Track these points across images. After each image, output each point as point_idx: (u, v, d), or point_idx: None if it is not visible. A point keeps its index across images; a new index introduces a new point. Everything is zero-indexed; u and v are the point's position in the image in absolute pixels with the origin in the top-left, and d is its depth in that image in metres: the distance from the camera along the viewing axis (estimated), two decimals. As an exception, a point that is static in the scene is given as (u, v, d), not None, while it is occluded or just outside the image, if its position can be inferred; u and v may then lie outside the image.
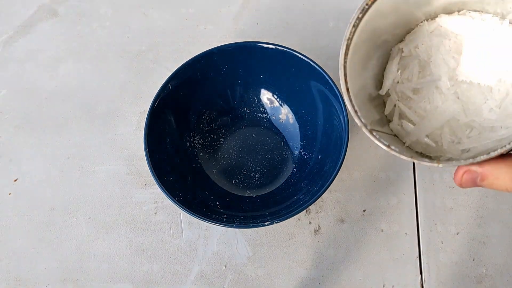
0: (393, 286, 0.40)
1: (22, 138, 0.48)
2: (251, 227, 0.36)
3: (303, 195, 0.40)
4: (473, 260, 0.40)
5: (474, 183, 0.26)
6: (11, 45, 0.53)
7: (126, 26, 0.53)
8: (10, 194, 0.45)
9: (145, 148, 0.38)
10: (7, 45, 0.53)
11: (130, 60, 0.51)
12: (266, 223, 0.35)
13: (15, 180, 0.46)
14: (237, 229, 0.42)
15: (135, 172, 0.45)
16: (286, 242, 0.42)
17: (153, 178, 0.37)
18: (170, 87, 0.41)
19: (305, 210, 0.43)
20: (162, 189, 0.37)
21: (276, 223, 0.35)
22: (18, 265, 0.42)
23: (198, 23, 0.53)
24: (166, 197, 0.37)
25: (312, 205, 0.43)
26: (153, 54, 0.51)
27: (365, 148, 0.45)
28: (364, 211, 0.43)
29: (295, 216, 0.42)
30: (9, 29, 0.54)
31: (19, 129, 0.48)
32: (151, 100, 0.40)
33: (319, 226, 0.42)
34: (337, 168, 0.36)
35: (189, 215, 0.36)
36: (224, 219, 0.38)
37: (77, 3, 0.55)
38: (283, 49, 0.41)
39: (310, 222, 0.42)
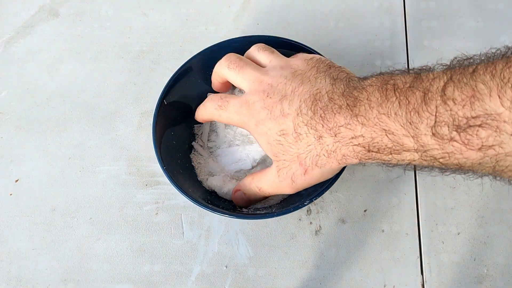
0: (394, 286, 0.40)
1: (23, 138, 0.48)
2: (259, 218, 0.39)
3: (305, 191, 0.40)
4: (474, 260, 0.40)
5: (240, 195, 0.39)
6: (12, 45, 0.53)
7: (126, 27, 0.53)
8: (11, 194, 0.45)
9: (154, 142, 0.38)
10: (8, 45, 0.53)
11: (130, 60, 0.51)
12: (266, 216, 0.36)
13: (16, 180, 0.46)
14: (238, 230, 0.42)
15: (136, 172, 0.45)
16: (287, 243, 0.42)
17: (163, 173, 0.37)
18: (183, 75, 0.41)
19: (306, 211, 0.43)
20: (172, 181, 0.37)
21: (276, 216, 0.36)
22: (19, 266, 0.42)
23: (198, 23, 0.53)
24: (176, 189, 0.37)
25: (313, 205, 0.43)
26: (154, 55, 0.51)
27: (366, 148, 0.45)
28: (365, 211, 0.43)
29: (296, 217, 0.42)
30: (10, 30, 0.54)
31: (20, 129, 0.48)
32: (152, 100, 0.40)
33: (320, 226, 0.42)
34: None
35: (199, 206, 0.36)
36: (230, 212, 0.38)
37: (78, 3, 0.55)
38: (290, 42, 0.41)
39: (311, 223, 0.42)
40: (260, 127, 0.33)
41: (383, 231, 0.42)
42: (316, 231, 0.42)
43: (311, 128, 0.31)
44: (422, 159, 0.27)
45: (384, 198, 0.43)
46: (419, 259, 0.41)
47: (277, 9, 0.53)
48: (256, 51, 0.38)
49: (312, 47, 0.41)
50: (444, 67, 0.27)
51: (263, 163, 0.42)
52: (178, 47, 0.52)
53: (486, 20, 0.51)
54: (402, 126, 0.26)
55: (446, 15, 0.52)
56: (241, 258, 0.41)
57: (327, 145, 0.31)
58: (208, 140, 0.44)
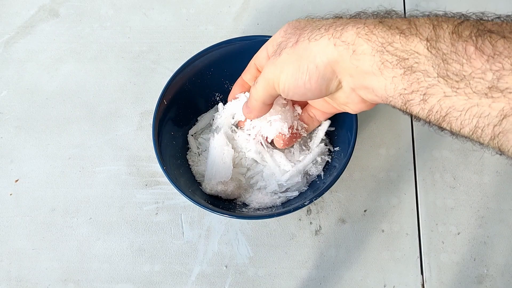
0: (394, 286, 0.40)
1: (23, 138, 0.48)
2: (255, 218, 0.38)
3: (306, 190, 0.40)
4: (474, 260, 0.40)
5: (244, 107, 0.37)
6: (12, 45, 0.53)
7: (126, 27, 0.53)
8: (11, 194, 0.45)
9: (154, 142, 0.38)
10: (8, 45, 0.53)
11: (130, 60, 0.51)
12: (266, 216, 0.36)
13: (16, 180, 0.46)
14: (238, 230, 0.42)
15: (135, 172, 0.45)
16: (287, 243, 0.42)
17: (163, 173, 0.37)
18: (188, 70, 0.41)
19: (306, 211, 0.43)
20: (172, 181, 0.37)
21: (276, 216, 0.36)
22: (19, 266, 0.42)
23: (198, 23, 0.53)
24: (176, 189, 0.36)
25: (313, 205, 0.43)
26: (153, 55, 0.51)
27: (366, 149, 0.45)
28: (365, 211, 0.43)
29: (296, 217, 0.42)
30: (10, 30, 0.54)
31: (20, 129, 0.48)
32: (152, 100, 0.40)
33: (320, 227, 0.42)
34: (342, 167, 0.36)
35: (198, 206, 0.36)
36: (230, 211, 0.38)
37: (78, 3, 0.55)
38: None
39: (311, 223, 0.42)
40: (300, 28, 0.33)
41: (383, 231, 0.42)
42: (316, 231, 0.42)
43: (339, 22, 0.30)
44: (427, 51, 0.25)
45: (384, 198, 0.43)
46: (419, 259, 0.41)
47: (277, 9, 0.53)
48: None
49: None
50: None
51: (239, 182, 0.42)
52: (178, 47, 0.52)
53: (486, 20, 0.51)
54: (427, 18, 0.26)
55: (446, 15, 0.52)
56: (241, 258, 0.41)
57: (335, 22, 0.29)
58: (200, 137, 0.44)
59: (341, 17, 0.31)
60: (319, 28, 0.30)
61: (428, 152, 0.45)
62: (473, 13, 0.27)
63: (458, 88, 0.24)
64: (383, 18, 0.28)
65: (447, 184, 0.43)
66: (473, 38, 0.23)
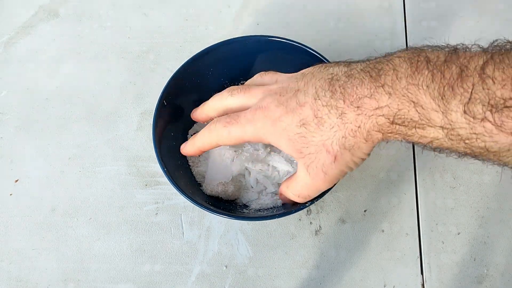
0: (394, 286, 0.40)
1: (23, 138, 0.48)
2: (256, 220, 0.39)
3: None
4: (474, 260, 0.40)
5: (284, 199, 0.37)
6: (12, 45, 0.53)
7: (126, 27, 0.53)
8: (11, 194, 0.45)
9: (154, 142, 0.38)
10: (8, 45, 0.53)
11: (130, 60, 0.51)
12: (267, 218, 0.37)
13: (16, 180, 0.46)
14: (238, 230, 0.42)
15: (136, 172, 0.45)
16: (287, 243, 0.42)
17: (163, 173, 0.37)
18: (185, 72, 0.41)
19: (306, 211, 0.43)
20: (172, 181, 0.36)
21: (277, 218, 0.37)
22: (19, 266, 0.42)
23: (198, 23, 0.53)
24: (176, 190, 0.36)
25: (313, 205, 0.43)
26: (153, 55, 0.51)
27: (366, 148, 0.45)
28: (365, 211, 0.43)
29: (296, 217, 0.42)
30: (10, 30, 0.54)
31: (20, 129, 0.48)
32: (152, 100, 0.40)
33: (320, 227, 0.42)
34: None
35: (199, 207, 0.36)
36: (230, 212, 0.38)
37: (78, 3, 0.55)
38: (292, 43, 0.41)
39: (311, 223, 0.42)
40: (278, 124, 0.31)
41: (383, 231, 0.42)
42: (316, 231, 0.42)
43: (331, 108, 0.29)
44: (446, 138, 0.24)
45: (384, 198, 0.43)
46: (419, 259, 0.41)
47: (277, 9, 0.53)
48: (259, 76, 0.37)
49: (312, 47, 0.41)
50: (482, 48, 0.26)
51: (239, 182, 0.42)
52: (178, 47, 0.52)
53: (486, 20, 0.51)
54: (433, 99, 0.24)
55: (446, 15, 0.52)
56: (241, 258, 0.41)
57: (351, 122, 0.28)
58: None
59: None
60: (344, 136, 0.29)
61: (428, 152, 0.44)
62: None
63: (488, 159, 0.25)
64: (388, 110, 0.27)
65: (447, 184, 0.43)
66: (488, 115, 0.23)
